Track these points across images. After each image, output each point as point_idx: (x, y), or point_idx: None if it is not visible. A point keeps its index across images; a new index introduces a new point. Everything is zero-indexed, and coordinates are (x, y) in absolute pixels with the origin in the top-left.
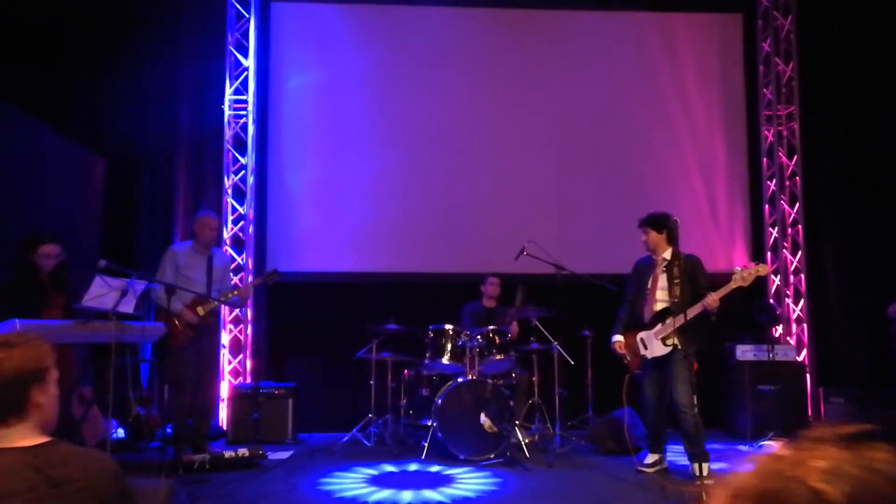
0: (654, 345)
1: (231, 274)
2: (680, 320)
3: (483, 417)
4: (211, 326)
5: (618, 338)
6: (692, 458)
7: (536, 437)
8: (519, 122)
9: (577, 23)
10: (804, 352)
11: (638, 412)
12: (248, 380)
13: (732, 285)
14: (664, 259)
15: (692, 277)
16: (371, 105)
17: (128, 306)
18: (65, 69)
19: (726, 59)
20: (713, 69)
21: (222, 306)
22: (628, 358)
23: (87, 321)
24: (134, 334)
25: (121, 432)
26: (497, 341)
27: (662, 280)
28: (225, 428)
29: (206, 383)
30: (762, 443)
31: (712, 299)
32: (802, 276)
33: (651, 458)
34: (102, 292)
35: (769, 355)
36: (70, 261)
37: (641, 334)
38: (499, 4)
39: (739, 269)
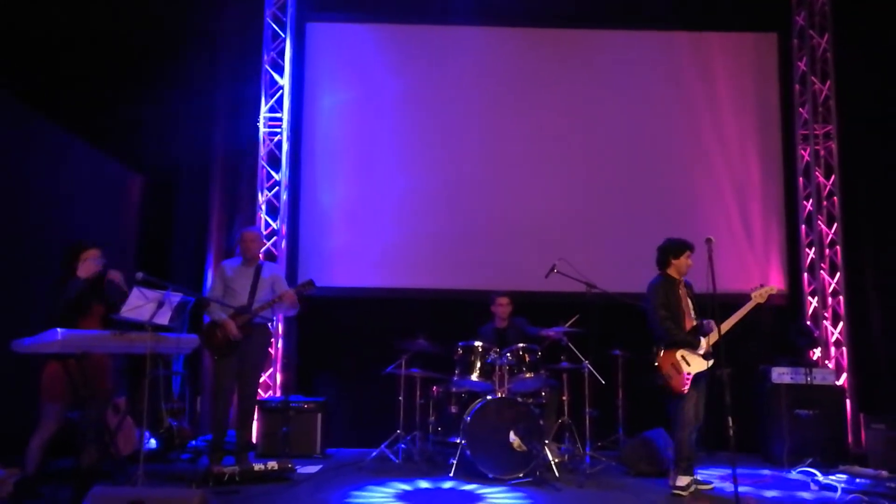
0: (696, 361)
1: (284, 284)
2: (728, 325)
3: (512, 436)
4: (254, 339)
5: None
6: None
7: (566, 456)
8: (549, 142)
9: (608, 42)
10: (844, 376)
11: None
12: (278, 393)
13: (752, 305)
14: (681, 280)
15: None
16: (402, 123)
17: (163, 318)
18: (104, 88)
19: (761, 78)
20: (748, 88)
21: (278, 319)
22: (670, 376)
23: (125, 332)
24: (169, 345)
25: (153, 443)
26: (527, 359)
27: (687, 300)
28: (255, 441)
29: (248, 395)
30: (800, 469)
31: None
32: (841, 297)
33: (685, 479)
34: (140, 304)
35: (807, 379)
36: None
37: (681, 351)
38: (530, 24)
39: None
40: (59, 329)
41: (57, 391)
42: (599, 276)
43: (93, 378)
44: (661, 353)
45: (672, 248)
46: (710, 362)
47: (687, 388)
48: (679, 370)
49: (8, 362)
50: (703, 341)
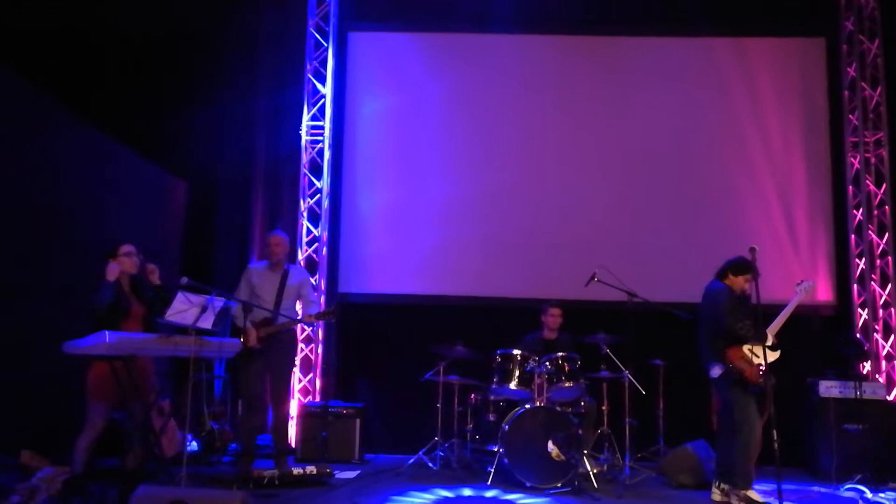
0: (762, 352)
1: (310, 291)
2: (779, 323)
3: (551, 445)
4: (282, 345)
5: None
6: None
7: (605, 467)
8: (590, 149)
9: (648, 49)
10: (895, 391)
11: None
12: (318, 398)
13: (797, 301)
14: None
15: None
16: (442, 131)
17: (207, 322)
18: (149, 96)
19: (808, 84)
20: (793, 95)
21: (318, 325)
22: (743, 368)
23: (169, 335)
24: (211, 350)
25: (194, 445)
26: (566, 368)
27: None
28: (294, 445)
29: (279, 401)
30: (849, 485)
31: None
32: (893, 310)
33: (752, 493)
34: (184, 308)
35: (856, 393)
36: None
37: (747, 345)
38: (570, 32)
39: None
40: (107, 332)
41: (103, 392)
42: (640, 285)
43: (137, 379)
44: (728, 350)
45: (735, 266)
46: (778, 353)
47: (762, 379)
48: (750, 362)
49: (56, 364)
50: (769, 334)
